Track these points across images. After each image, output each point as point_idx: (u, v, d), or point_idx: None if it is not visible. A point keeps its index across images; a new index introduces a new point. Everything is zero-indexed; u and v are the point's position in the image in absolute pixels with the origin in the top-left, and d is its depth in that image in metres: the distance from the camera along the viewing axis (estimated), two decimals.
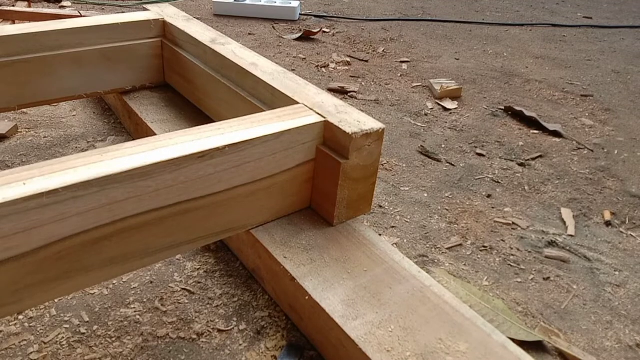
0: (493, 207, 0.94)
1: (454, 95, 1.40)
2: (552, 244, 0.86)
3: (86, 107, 1.18)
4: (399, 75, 1.53)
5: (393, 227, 0.87)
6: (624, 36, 2.11)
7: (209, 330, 0.65)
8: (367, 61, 1.62)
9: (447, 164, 1.08)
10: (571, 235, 0.88)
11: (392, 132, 1.19)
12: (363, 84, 1.45)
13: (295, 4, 2.00)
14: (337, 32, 1.89)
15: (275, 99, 0.75)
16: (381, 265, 0.64)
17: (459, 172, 1.05)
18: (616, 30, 2.18)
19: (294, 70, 1.50)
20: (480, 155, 1.12)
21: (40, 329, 0.63)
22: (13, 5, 1.76)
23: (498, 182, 1.02)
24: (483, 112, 1.33)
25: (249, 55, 0.86)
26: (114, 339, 0.63)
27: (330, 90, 1.38)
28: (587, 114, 1.36)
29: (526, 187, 1.02)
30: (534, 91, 1.49)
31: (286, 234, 0.68)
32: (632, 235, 0.90)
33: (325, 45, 1.74)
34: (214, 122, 0.66)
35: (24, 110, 1.13)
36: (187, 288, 0.71)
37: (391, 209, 0.92)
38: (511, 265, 0.81)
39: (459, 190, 0.99)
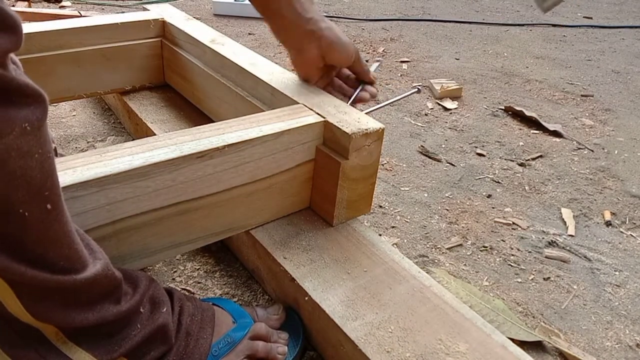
0: (493, 207, 0.94)
1: (454, 95, 1.40)
2: (552, 244, 0.86)
3: (86, 107, 1.18)
4: (399, 75, 1.53)
5: (393, 227, 0.87)
6: (624, 36, 2.11)
7: None
8: (367, 61, 1.62)
9: (447, 164, 1.07)
10: (571, 235, 0.88)
11: (392, 132, 1.19)
12: None
13: None
14: None
15: (275, 99, 0.75)
16: (381, 265, 0.64)
17: (459, 172, 1.05)
18: (616, 30, 2.18)
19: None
20: (480, 155, 1.12)
21: None
22: (13, 6, 1.76)
23: (498, 182, 1.02)
24: (483, 112, 1.33)
25: (249, 55, 0.86)
26: None
27: None
28: (587, 114, 1.36)
29: (526, 187, 1.01)
30: (534, 91, 1.49)
31: (286, 234, 0.68)
32: (632, 235, 0.90)
33: None
34: (213, 122, 0.66)
35: None
36: (187, 288, 0.71)
37: (391, 209, 0.92)
38: (511, 265, 0.81)
39: (459, 190, 0.99)
